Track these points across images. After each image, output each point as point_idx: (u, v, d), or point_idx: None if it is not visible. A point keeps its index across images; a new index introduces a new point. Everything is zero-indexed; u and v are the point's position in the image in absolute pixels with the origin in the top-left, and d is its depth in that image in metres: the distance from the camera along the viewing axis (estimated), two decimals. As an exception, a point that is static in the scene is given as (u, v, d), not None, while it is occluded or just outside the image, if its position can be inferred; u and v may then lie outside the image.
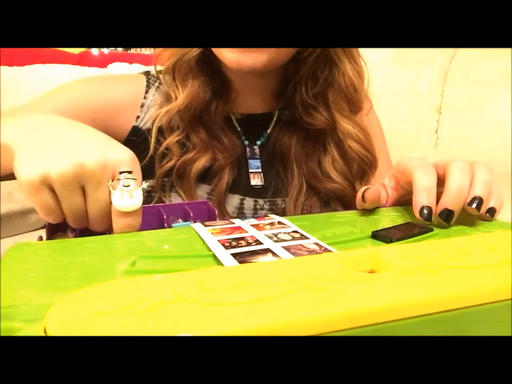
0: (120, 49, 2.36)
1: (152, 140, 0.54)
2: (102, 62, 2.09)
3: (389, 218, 0.37)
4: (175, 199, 0.55)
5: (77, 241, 0.30)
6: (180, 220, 0.40)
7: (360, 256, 0.23)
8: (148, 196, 0.56)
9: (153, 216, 0.40)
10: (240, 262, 0.24)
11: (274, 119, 0.59)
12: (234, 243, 0.28)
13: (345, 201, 0.57)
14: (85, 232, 0.34)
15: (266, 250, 0.26)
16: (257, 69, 0.49)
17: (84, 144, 0.33)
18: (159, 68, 0.58)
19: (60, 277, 0.24)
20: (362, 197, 0.37)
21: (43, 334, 0.16)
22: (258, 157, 0.57)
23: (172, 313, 0.17)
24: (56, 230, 0.36)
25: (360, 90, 0.56)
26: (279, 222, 0.33)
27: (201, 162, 0.53)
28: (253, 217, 0.36)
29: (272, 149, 0.58)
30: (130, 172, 0.32)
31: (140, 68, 1.99)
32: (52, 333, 0.16)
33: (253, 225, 0.32)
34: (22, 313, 0.19)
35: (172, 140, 0.53)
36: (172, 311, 0.17)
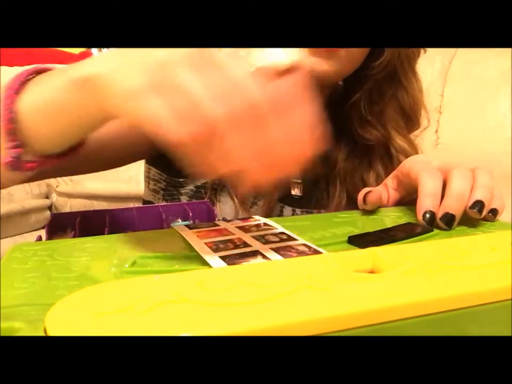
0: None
1: None
2: (102, 62, 2.09)
3: (389, 218, 0.37)
4: (224, 198, 0.56)
5: (77, 241, 0.30)
6: (179, 220, 0.40)
7: (360, 256, 0.23)
8: (197, 191, 0.56)
9: (152, 216, 0.40)
10: (230, 265, 0.24)
11: None
12: (221, 245, 0.27)
13: None
14: (85, 232, 0.34)
15: (256, 253, 0.26)
16: (330, 75, 0.48)
17: None
18: None
19: (60, 277, 0.24)
20: (364, 199, 0.37)
21: (43, 334, 0.16)
22: None
23: (172, 313, 0.17)
24: (56, 230, 0.36)
25: (421, 106, 0.56)
26: (265, 224, 0.32)
27: None
28: (238, 218, 0.36)
29: (316, 161, 0.58)
30: None
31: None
32: (52, 333, 0.16)
33: (238, 227, 0.32)
34: (22, 313, 0.19)
35: None
36: (172, 311, 0.17)
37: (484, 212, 0.33)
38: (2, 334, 0.17)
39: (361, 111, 0.55)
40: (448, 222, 0.33)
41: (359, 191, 0.56)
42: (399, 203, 0.42)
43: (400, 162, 0.55)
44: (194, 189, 0.57)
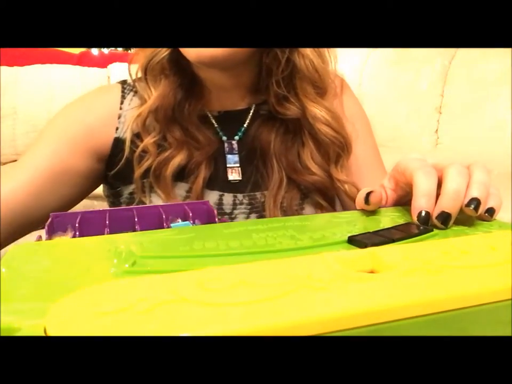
0: (120, 49, 2.37)
1: (127, 143, 0.54)
2: (102, 62, 2.09)
3: (389, 218, 0.37)
4: (155, 199, 0.55)
5: (76, 241, 0.30)
6: (179, 220, 0.40)
7: (360, 256, 0.23)
8: (131, 197, 0.56)
9: (152, 216, 0.40)
10: None
11: (251, 114, 0.59)
12: None
13: (325, 193, 0.57)
14: (85, 232, 0.34)
15: None
16: (217, 60, 0.48)
17: None
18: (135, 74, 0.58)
19: (60, 277, 0.24)
20: (367, 199, 0.37)
21: (43, 334, 0.16)
22: (237, 152, 0.57)
23: (172, 313, 0.17)
24: (56, 230, 0.36)
25: (323, 70, 0.55)
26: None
27: (177, 160, 0.53)
28: None
29: (251, 144, 0.58)
30: None
31: (140, 68, 1.99)
32: (51, 333, 0.16)
33: None
34: (22, 313, 0.19)
35: (148, 141, 0.54)
36: (172, 311, 0.17)
37: (480, 210, 0.33)
38: (2, 334, 0.17)
39: (274, 87, 0.55)
40: (444, 220, 0.32)
41: (297, 169, 0.56)
42: (398, 203, 0.41)
43: (318, 129, 0.54)
44: (129, 195, 0.57)
